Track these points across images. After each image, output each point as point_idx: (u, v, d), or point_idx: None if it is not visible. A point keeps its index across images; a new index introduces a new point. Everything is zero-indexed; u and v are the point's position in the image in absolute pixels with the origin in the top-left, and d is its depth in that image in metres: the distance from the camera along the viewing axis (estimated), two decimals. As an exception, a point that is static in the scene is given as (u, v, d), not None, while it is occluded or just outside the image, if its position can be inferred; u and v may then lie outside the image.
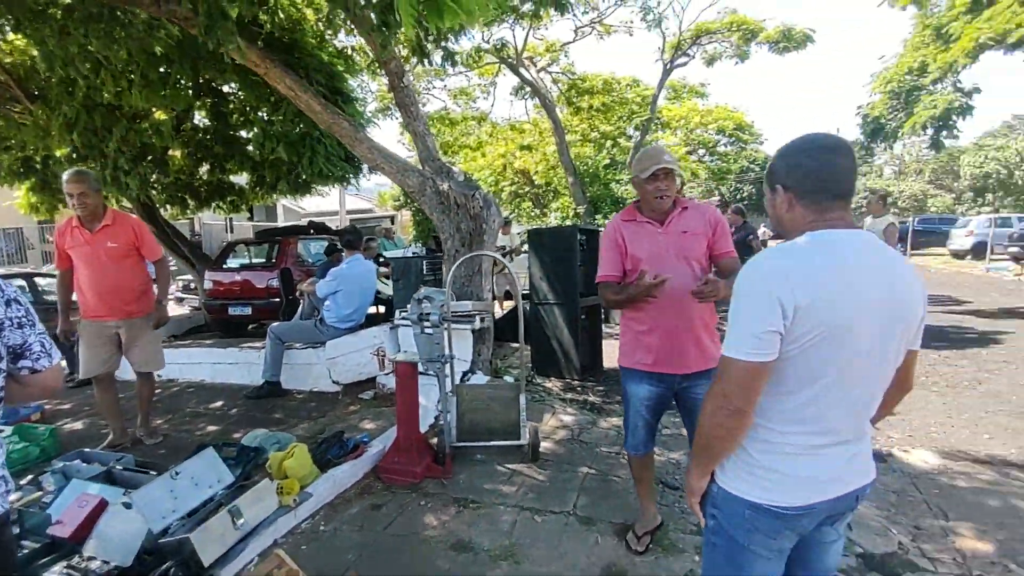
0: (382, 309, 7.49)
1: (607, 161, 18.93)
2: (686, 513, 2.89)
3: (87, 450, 3.51)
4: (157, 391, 4.72)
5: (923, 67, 8.64)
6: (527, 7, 9.96)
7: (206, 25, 3.81)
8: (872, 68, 10.26)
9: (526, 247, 6.93)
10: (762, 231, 20.04)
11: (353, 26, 5.16)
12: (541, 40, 14.25)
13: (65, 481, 2.97)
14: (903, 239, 25.62)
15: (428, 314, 3.29)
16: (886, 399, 1.45)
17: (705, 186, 31.45)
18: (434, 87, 15.90)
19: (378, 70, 9.10)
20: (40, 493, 2.97)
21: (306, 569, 2.35)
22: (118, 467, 3.17)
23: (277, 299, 7.29)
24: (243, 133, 7.26)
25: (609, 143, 18.98)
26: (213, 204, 8.41)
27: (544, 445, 3.82)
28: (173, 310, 9.05)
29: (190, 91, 6.22)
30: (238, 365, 5.52)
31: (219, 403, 5.01)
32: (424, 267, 6.87)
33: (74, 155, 6.31)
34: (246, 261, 8.97)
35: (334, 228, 10.06)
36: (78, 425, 4.60)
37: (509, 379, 4.93)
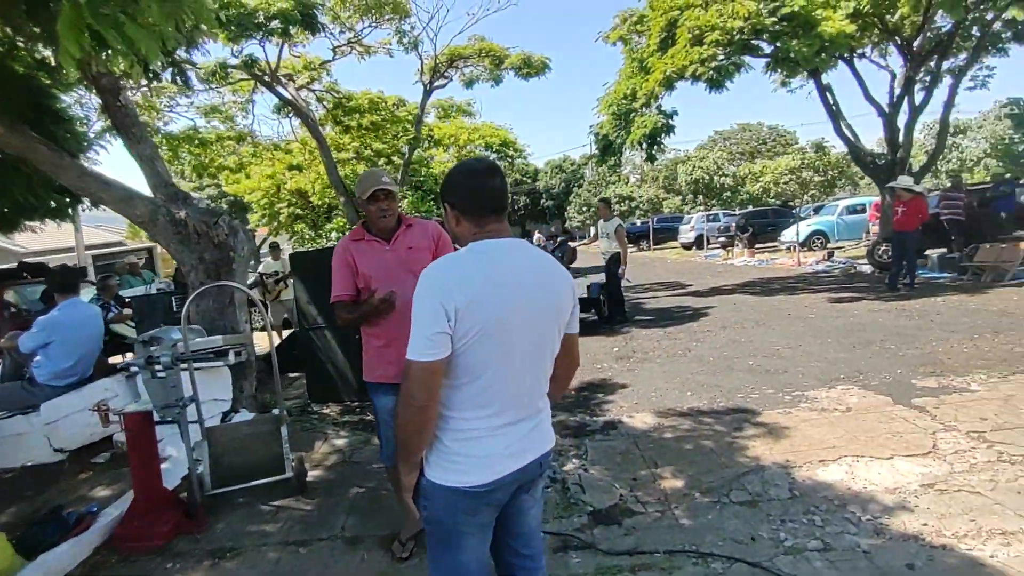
0: (130, 355, 6.52)
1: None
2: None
3: None
4: None
5: (634, 93, 10.37)
6: (275, 24, 9.60)
7: None
8: (599, 92, 11.86)
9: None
10: (537, 237, 22.01)
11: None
12: (299, 57, 13.76)
13: None
14: (647, 236, 30.39)
15: (158, 357, 2.99)
16: (559, 375, 1.74)
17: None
18: (178, 104, 14.28)
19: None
20: None
21: None
22: None
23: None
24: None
25: (383, 160, 19.06)
26: None
27: (314, 473, 3.72)
28: None
29: None
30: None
31: None
32: (174, 303, 6.16)
33: None
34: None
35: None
36: None
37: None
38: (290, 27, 9.80)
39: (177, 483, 3.63)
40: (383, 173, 2.70)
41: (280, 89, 12.26)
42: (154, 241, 4.87)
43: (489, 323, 1.42)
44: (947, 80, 12.41)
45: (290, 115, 14.57)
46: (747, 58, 10.40)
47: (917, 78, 11.98)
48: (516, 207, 49.68)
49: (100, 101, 5.60)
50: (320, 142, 12.63)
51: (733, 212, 28.10)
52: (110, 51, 2.83)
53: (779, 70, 10.49)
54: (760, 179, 16.99)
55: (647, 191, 28.97)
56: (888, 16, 9.57)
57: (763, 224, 22.16)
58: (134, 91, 10.11)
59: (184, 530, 3.07)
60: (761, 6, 8.75)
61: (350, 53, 13.53)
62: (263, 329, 7.60)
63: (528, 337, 1.51)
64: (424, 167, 21.41)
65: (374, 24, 12.88)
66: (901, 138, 11.64)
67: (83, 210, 6.82)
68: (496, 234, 1.55)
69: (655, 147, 10.64)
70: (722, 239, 22.31)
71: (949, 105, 11.99)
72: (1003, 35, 11.77)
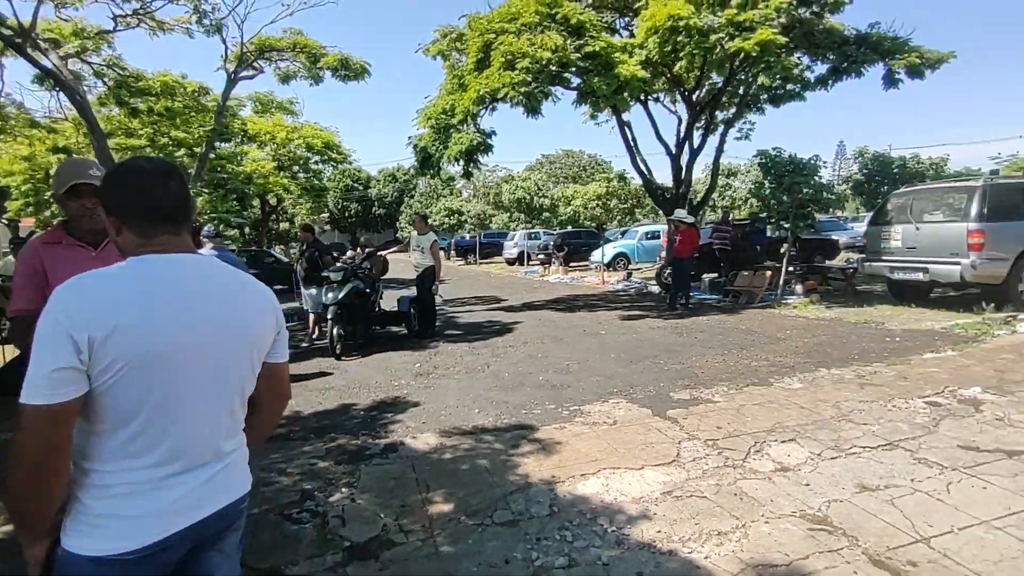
0: None
1: (181, 172, 16.88)
2: None
3: None
4: None
5: (452, 109, 10.47)
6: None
7: None
8: (419, 104, 11.81)
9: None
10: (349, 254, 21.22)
11: None
12: (68, 21, 11.64)
13: None
14: (474, 250, 31.09)
15: None
16: (261, 413, 1.52)
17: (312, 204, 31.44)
18: None
19: None
20: None
21: None
22: None
23: None
24: None
25: (183, 152, 16.99)
26: None
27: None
28: None
29: None
30: None
31: None
32: None
33: None
34: None
35: None
36: None
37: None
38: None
39: None
40: (91, 164, 2.24)
41: (38, 55, 10.21)
42: None
43: (143, 355, 1.16)
44: (721, 129, 14.52)
45: (56, 90, 12.24)
46: (560, 89, 11.13)
47: (697, 125, 13.83)
48: (347, 214, 47.75)
49: None
50: (90, 123, 10.73)
51: (552, 231, 29.99)
52: None
53: (585, 103, 11.34)
54: (572, 203, 18.26)
55: (475, 206, 29.64)
56: (675, 68, 10.88)
57: (578, 244, 23.93)
58: None
59: None
60: (568, 42, 9.41)
61: (138, 26, 11.78)
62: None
63: (203, 370, 1.27)
64: (232, 163, 19.48)
65: (169, -1, 11.38)
66: (684, 175, 13.30)
67: None
68: (168, 248, 1.29)
69: (471, 163, 10.82)
70: (541, 256, 23.65)
71: (719, 150, 14.01)
72: (760, 96, 14.10)
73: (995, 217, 7.87)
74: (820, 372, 5.54)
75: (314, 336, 8.42)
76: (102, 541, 1.21)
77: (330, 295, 7.24)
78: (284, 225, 32.41)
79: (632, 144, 13.52)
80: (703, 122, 14.16)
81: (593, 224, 24.33)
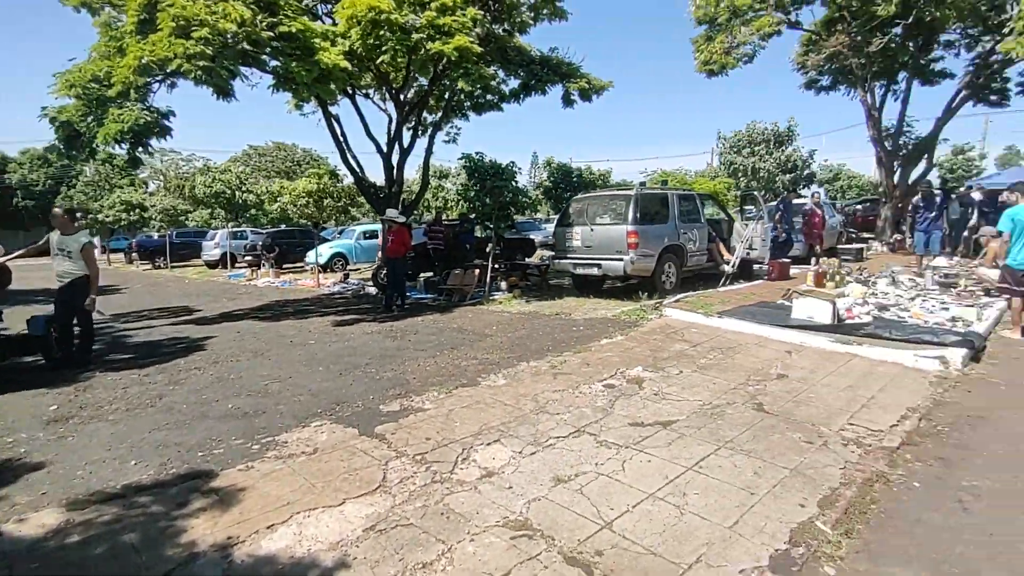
0: None
1: None
2: None
3: None
4: None
5: (108, 77, 8.36)
6: None
7: None
8: (58, 68, 9.21)
9: None
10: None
11: None
12: None
13: None
14: (164, 252, 26.17)
15: None
16: None
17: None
18: None
19: None
20: None
21: None
22: None
23: None
24: None
25: None
26: None
27: None
28: None
29: None
30: None
31: None
32: None
33: None
34: None
35: None
36: None
37: None
38: None
39: None
40: None
41: None
42: None
43: None
44: (430, 131, 14.84)
45: None
46: (258, 73, 9.82)
47: (407, 125, 13.86)
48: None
49: None
50: None
51: (261, 230, 27.22)
52: None
53: (286, 89, 10.27)
54: (279, 199, 16.64)
55: (163, 200, 24.91)
56: (379, 62, 10.59)
57: (291, 244, 22.19)
58: None
59: None
60: (259, 18, 8.31)
61: None
62: None
63: None
64: None
65: None
66: (396, 174, 13.18)
67: None
68: None
69: (139, 148, 8.84)
70: (249, 258, 21.20)
71: (428, 151, 14.29)
72: (464, 103, 14.84)
73: (644, 220, 9.61)
74: (521, 366, 5.87)
75: None
76: None
77: None
78: None
79: (342, 139, 12.86)
80: (412, 123, 14.28)
81: (308, 223, 22.67)
